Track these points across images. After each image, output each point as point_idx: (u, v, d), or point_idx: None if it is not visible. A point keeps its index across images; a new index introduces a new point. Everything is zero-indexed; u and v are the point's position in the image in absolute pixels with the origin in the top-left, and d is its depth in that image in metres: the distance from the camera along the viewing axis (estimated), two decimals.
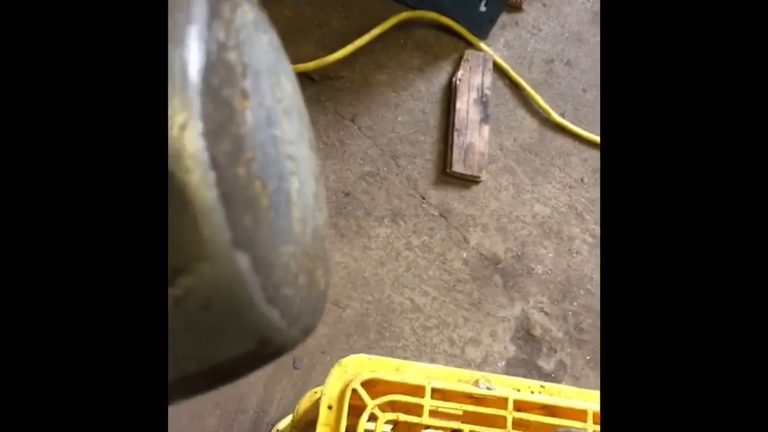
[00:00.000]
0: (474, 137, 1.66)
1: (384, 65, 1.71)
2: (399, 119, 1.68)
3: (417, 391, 0.94)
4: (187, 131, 0.26)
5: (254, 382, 1.45)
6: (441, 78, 1.73)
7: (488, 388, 0.97)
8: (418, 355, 1.55)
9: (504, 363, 1.57)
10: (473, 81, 1.70)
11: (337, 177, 1.59)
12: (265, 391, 1.46)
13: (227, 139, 0.28)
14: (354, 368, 0.98)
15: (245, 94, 0.30)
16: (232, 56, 0.29)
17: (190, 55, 0.27)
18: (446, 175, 1.66)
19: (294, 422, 1.17)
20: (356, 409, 0.94)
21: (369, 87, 1.69)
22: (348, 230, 1.56)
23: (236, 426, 1.42)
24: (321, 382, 1.32)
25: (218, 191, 0.27)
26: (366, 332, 1.52)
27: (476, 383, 0.98)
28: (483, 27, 1.75)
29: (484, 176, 1.66)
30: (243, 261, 0.28)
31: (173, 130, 0.26)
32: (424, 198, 1.64)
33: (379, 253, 1.57)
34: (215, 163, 0.27)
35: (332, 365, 0.96)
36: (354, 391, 0.93)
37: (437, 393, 0.96)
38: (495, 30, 1.79)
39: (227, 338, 0.29)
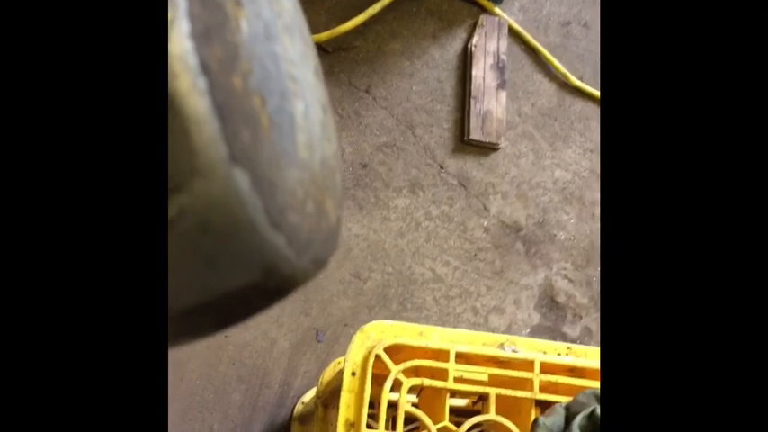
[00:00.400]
0: (491, 103, 1.62)
1: (397, 33, 1.67)
2: (414, 88, 1.65)
3: (441, 355, 0.92)
4: (172, 31, 0.23)
5: (278, 357, 1.44)
6: (455, 45, 1.69)
7: (514, 351, 0.94)
8: (441, 325, 1.52)
9: (528, 330, 1.54)
10: (489, 47, 1.66)
11: (354, 149, 1.56)
12: (289, 365, 1.44)
13: (218, 43, 0.25)
14: (377, 334, 0.96)
15: (239, 3, 0.27)
16: None
17: None
18: (464, 143, 1.62)
19: (318, 392, 1.16)
20: (379, 378, 0.92)
21: (383, 57, 1.65)
22: (366, 202, 1.53)
23: (261, 400, 1.40)
24: (344, 354, 1.30)
25: (211, 99, 0.24)
26: (388, 303, 1.50)
27: (501, 347, 0.95)
28: None
29: (502, 143, 1.63)
30: (242, 179, 0.25)
31: None
32: (442, 167, 1.61)
33: (398, 224, 1.54)
34: (206, 68, 0.24)
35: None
36: (377, 357, 0.91)
37: (461, 358, 0.93)
38: None
39: (228, 266, 0.26)
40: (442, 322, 1.50)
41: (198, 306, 0.28)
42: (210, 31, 0.25)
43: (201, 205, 0.25)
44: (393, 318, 1.48)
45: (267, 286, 0.28)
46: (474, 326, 1.52)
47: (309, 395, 1.37)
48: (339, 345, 1.49)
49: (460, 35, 1.70)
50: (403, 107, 1.62)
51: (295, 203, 0.28)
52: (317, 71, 0.35)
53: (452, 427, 0.90)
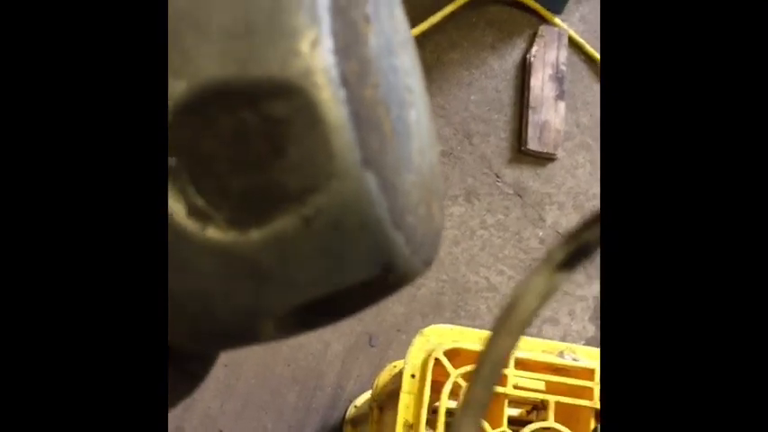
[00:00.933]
0: (549, 114, 1.63)
1: (456, 44, 1.69)
2: (472, 97, 1.66)
3: None
4: (318, 48, 0.26)
5: (331, 360, 1.46)
6: (514, 55, 1.70)
7: (574, 359, 0.95)
8: None
9: (583, 342, 1.54)
10: (548, 57, 1.67)
11: None
12: (343, 369, 1.47)
13: (354, 58, 0.28)
14: (436, 338, 0.98)
15: (367, 19, 0.30)
16: None
17: None
18: (521, 153, 1.63)
19: (374, 395, 1.18)
20: (436, 385, 0.93)
21: (441, 67, 1.67)
22: None
23: (314, 402, 1.43)
24: (397, 359, 1.32)
25: (349, 109, 0.27)
26: (441, 311, 1.52)
27: (560, 354, 0.96)
28: (558, 1, 1.71)
29: (560, 154, 1.63)
30: (372, 181, 0.27)
31: (303, 46, 0.26)
32: (498, 177, 1.62)
33: (453, 232, 1.56)
34: (345, 81, 0.27)
35: (408, 344, 0.96)
36: (437, 360, 0.93)
37: (520, 365, 0.95)
38: (570, 4, 1.75)
39: (354, 261, 0.29)
40: None
41: (323, 298, 0.30)
42: (348, 48, 0.27)
43: (336, 204, 0.27)
44: None
45: (384, 282, 0.31)
46: (527, 336, 1.53)
47: (362, 398, 1.39)
48: (392, 350, 1.51)
49: (519, 45, 1.72)
50: (460, 116, 1.64)
51: (411, 206, 0.31)
52: (423, 81, 0.38)
53: None
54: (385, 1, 0.33)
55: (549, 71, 1.66)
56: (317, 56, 0.26)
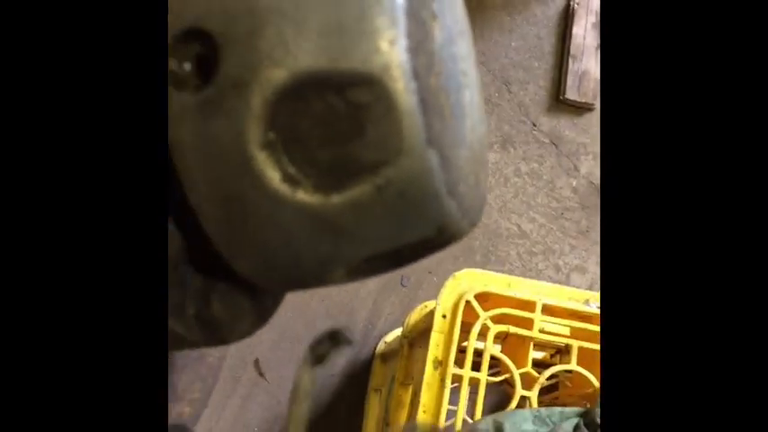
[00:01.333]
0: (590, 63, 1.65)
1: None
2: (513, 44, 1.69)
3: (528, 306, 1.00)
4: (395, 47, 0.32)
5: (363, 297, 1.55)
6: (558, 2, 1.72)
7: (598, 307, 1.01)
8: None
9: None
10: (592, 4, 1.68)
11: None
12: (374, 306, 1.55)
13: (423, 53, 0.33)
14: (468, 282, 1.05)
15: (434, 16, 0.35)
16: None
17: None
18: (559, 102, 1.66)
19: (405, 333, 1.26)
20: (466, 326, 1.01)
21: (483, 11, 1.70)
22: None
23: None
24: (427, 299, 1.40)
25: (418, 97, 0.33)
26: (472, 255, 1.59)
27: (587, 302, 1.03)
28: None
29: (598, 104, 1.66)
30: (433, 158, 0.34)
31: (383, 45, 0.32)
32: (535, 125, 1.66)
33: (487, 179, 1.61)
34: (416, 74, 0.33)
35: (438, 285, 1.02)
36: (468, 303, 1.00)
37: (546, 311, 1.02)
38: None
39: (415, 224, 0.35)
40: (524, 277, 1.58)
41: (387, 252, 0.37)
42: (419, 44, 0.33)
43: (403, 176, 0.34)
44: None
45: (437, 241, 0.37)
46: (555, 283, 1.60)
47: (392, 335, 1.48)
48: (422, 290, 1.58)
49: None
50: (500, 62, 1.67)
51: (463, 177, 0.37)
52: (475, 63, 0.43)
53: (534, 373, 0.99)
54: None
55: (593, 19, 1.67)
56: (394, 53, 0.32)
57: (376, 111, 0.32)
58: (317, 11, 0.32)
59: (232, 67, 0.32)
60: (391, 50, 0.32)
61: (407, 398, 1.18)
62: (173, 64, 0.34)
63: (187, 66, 0.34)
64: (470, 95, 0.39)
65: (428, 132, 0.33)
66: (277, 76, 0.32)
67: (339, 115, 0.33)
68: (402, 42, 0.32)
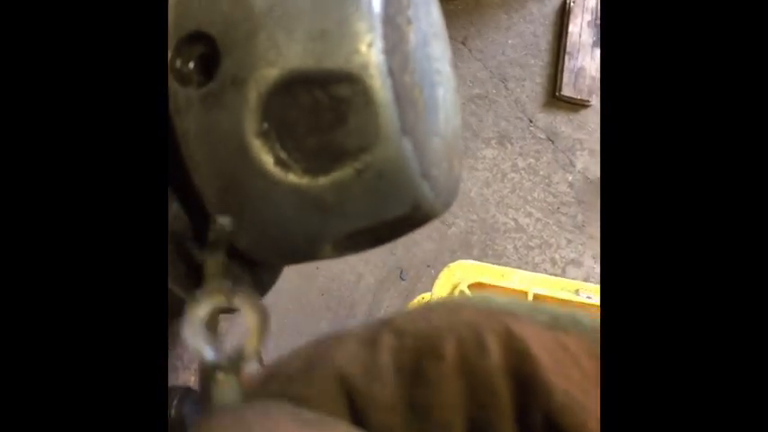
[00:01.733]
0: (585, 60, 1.70)
1: None
2: (510, 42, 1.74)
3: (519, 296, 1.06)
4: (372, 48, 0.37)
5: (363, 292, 1.60)
6: (554, 0, 1.77)
7: (588, 297, 1.07)
8: None
9: None
10: (588, 3, 1.74)
11: None
12: (374, 300, 1.61)
13: (398, 54, 0.39)
14: (462, 273, 1.10)
15: (409, 21, 0.41)
16: None
17: None
18: (555, 98, 1.72)
19: None
20: None
21: (480, 9, 1.75)
22: None
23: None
24: (426, 292, 1.46)
25: (393, 93, 0.38)
26: (470, 249, 1.64)
27: (576, 293, 1.08)
28: None
29: (593, 101, 1.71)
30: (407, 145, 0.39)
31: (362, 47, 0.37)
32: (531, 121, 1.71)
33: (485, 174, 1.67)
34: (391, 72, 0.38)
35: (436, 278, 1.07)
36: (461, 292, 1.06)
37: (538, 300, 1.07)
38: None
39: (392, 202, 0.41)
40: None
41: (365, 229, 0.42)
42: (395, 46, 0.39)
43: (381, 161, 0.39)
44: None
45: (412, 218, 0.43)
46: (551, 276, 1.65)
47: None
48: (421, 284, 1.64)
49: None
50: (497, 60, 1.73)
51: (436, 161, 0.43)
52: (451, 62, 0.49)
53: None
54: (423, 2, 0.44)
55: (588, 17, 1.73)
56: (371, 54, 0.38)
57: (356, 103, 0.38)
58: (304, 18, 0.38)
59: (231, 66, 0.38)
60: (369, 52, 0.38)
61: None
62: (178, 63, 0.40)
63: (191, 64, 0.40)
64: (444, 91, 0.45)
65: (403, 123, 0.39)
66: (270, 74, 0.38)
67: (324, 107, 0.38)
68: (378, 45, 0.38)
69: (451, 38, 1.74)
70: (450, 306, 0.34)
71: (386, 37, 0.38)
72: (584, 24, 1.71)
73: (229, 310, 0.34)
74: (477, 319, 0.32)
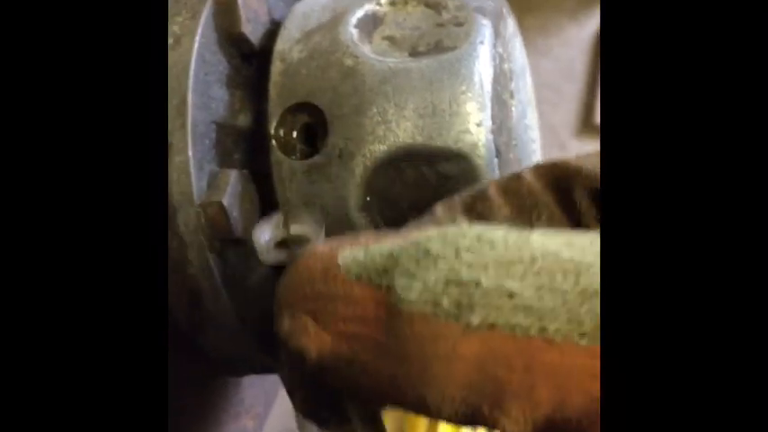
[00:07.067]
0: None
1: (535, 8, 1.77)
2: (546, 65, 1.76)
3: None
4: (482, 128, 0.39)
5: None
6: (593, 25, 1.78)
7: None
8: None
9: None
10: None
11: None
12: None
13: (504, 132, 0.40)
14: None
15: (512, 95, 0.42)
16: (506, 65, 0.42)
17: (484, 69, 0.39)
18: (589, 126, 1.73)
19: None
20: None
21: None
22: None
23: None
24: None
25: (498, 171, 0.39)
26: None
27: None
28: None
29: None
30: None
31: (472, 127, 0.38)
32: (563, 147, 1.72)
33: None
34: (498, 151, 0.39)
35: None
36: None
37: None
38: None
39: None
40: None
41: None
42: (501, 124, 0.40)
43: None
44: None
45: None
46: None
47: None
48: None
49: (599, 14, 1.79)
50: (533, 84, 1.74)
51: None
52: (538, 125, 0.50)
53: None
54: (521, 72, 0.45)
55: None
56: (481, 134, 0.39)
57: (462, 182, 0.39)
58: (415, 94, 0.39)
59: (339, 139, 0.39)
60: (479, 132, 0.39)
61: None
62: (282, 132, 0.41)
63: (294, 133, 0.41)
64: (537, 159, 0.46)
65: None
66: (379, 149, 0.39)
67: (429, 183, 0.39)
68: (488, 124, 0.39)
69: None
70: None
71: (494, 116, 0.39)
72: None
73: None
74: None
